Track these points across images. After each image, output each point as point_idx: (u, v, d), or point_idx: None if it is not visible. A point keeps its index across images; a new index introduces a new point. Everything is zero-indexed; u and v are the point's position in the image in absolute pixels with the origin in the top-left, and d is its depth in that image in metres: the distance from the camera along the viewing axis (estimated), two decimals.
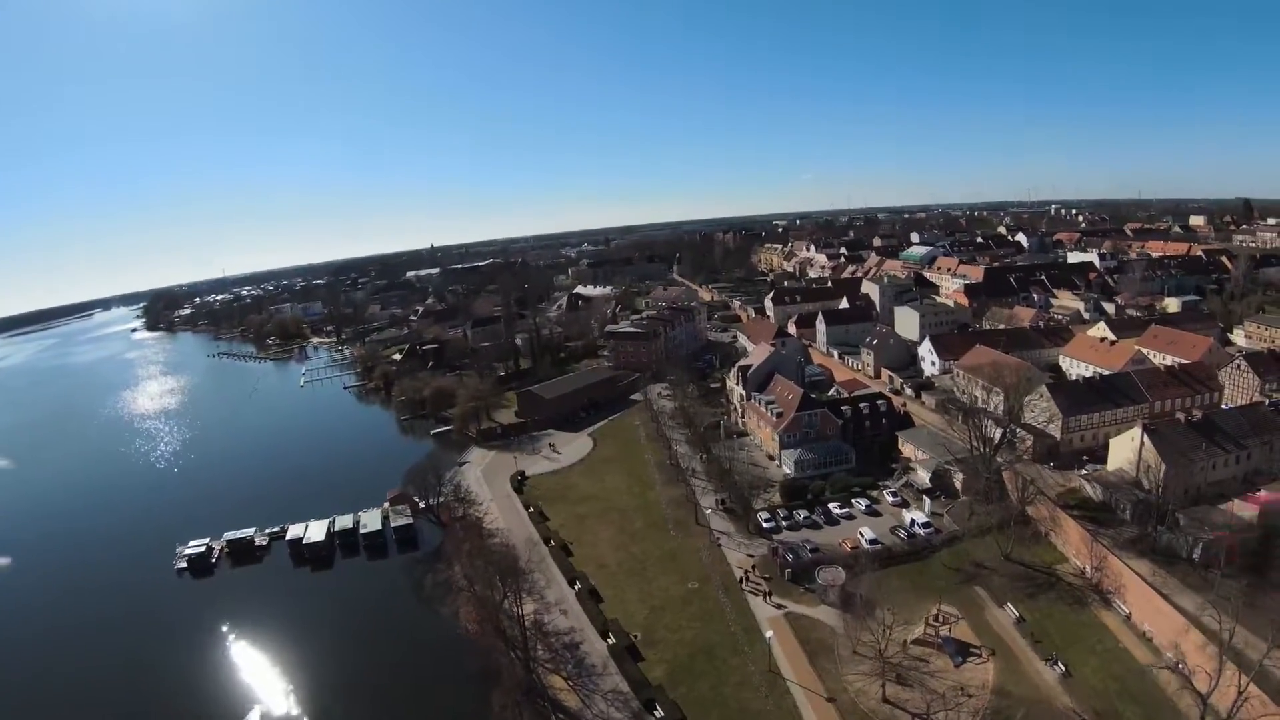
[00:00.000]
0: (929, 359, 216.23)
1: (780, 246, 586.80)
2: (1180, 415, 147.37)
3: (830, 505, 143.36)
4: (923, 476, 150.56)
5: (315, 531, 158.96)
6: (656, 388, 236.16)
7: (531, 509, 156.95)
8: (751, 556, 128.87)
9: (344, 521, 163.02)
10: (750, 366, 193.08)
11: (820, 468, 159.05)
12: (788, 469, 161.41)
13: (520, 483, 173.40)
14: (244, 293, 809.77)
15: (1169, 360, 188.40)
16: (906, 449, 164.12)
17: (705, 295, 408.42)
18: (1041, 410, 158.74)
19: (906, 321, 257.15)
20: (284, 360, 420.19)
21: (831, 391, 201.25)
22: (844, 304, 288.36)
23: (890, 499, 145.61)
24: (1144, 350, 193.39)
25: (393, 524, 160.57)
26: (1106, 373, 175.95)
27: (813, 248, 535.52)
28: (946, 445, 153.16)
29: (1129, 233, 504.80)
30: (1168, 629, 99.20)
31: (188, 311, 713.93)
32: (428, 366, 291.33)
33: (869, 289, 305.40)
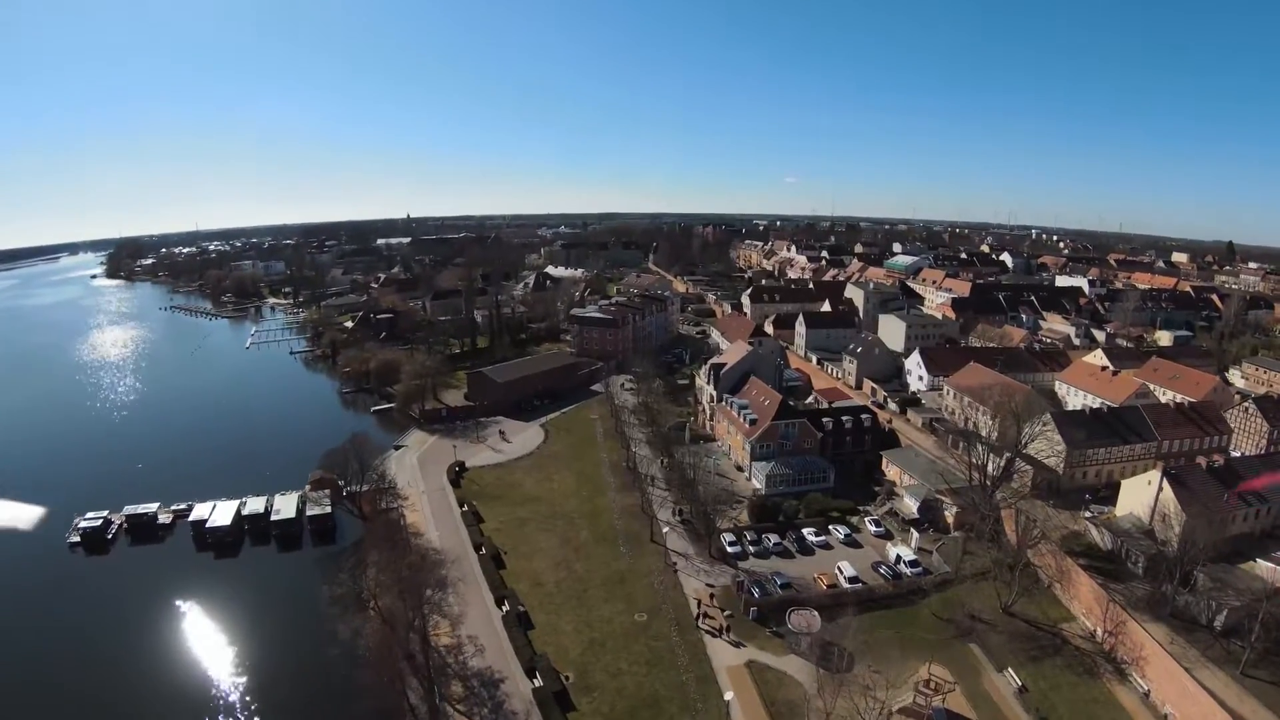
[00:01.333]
0: (917, 373, 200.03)
1: (760, 244, 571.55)
2: (1201, 460, 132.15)
3: (805, 531, 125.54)
4: (909, 505, 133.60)
5: (222, 514, 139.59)
6: (620, 379, 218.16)
7: (466, 507, 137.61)
8: (711, 586, 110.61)
9: (256, 505, 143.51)
10: (724, 365, 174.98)
11: (794, 485, 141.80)
12: (758, 483, 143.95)
13: (458, 475, 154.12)
14: (211, 247, 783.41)
15: (1171, 396, 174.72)
16: (891, 471, 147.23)
17: (680, 287, 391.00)
18: (1044, 441, 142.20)
19: (891, 331, 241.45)
20: (239, 319, 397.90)
21: (809, 400, 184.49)
22: (825, 307, 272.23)
23: (872, 528, 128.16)
24: (1148, 385, 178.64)
25: (309, 512, 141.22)
26: (1113, 405, 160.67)
27: (794, 248, 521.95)
28: (937, 471, 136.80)
29: (1113, 263, 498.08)
30: (1196, 716, 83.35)
31: (149, 262, 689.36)
32: (380, 337, 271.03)
33: (853, 294, 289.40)
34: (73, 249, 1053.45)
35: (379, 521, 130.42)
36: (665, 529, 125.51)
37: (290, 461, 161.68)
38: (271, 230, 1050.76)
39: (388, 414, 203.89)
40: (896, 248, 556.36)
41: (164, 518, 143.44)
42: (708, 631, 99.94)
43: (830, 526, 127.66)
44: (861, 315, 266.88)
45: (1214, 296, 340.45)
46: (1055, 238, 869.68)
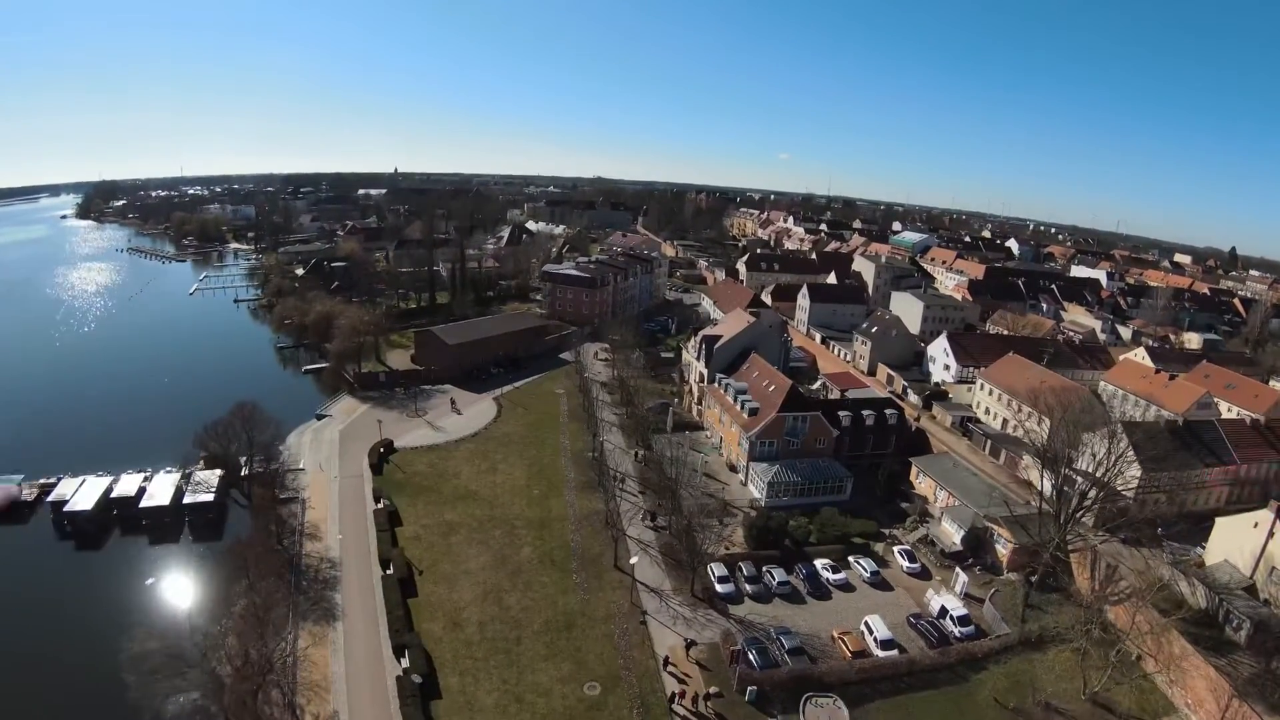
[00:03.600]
0: (942, 361, 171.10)
1: (755, 213, 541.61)
2: None
3: (818, 564, 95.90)
4: (950, 532, 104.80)
5: (85, 496, 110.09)
6: (594, 348, 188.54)
7: (381, 504, 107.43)
8: (691, 643, 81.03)
9: (129, 484, 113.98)
10: (719, 338, 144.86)
11: (803, 495, 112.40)
12: (757, 492, 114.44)
13: (382, 457, 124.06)
14: (190, 192, 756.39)
15: (1227, 408, 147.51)
16: (923, 485, 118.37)
17: (669, 250, 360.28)
18: (1114, 460, 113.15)
19: (905, 311, 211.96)
20: (200, 263, 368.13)
21: (817, 386, 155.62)
22: (831, 280, 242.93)
23: (904, 563, 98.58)
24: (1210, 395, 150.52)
25: (188, 499, 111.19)
26: (1176, 415, 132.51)
27: (791, 219, 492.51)
28: (982, 488, 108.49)
29: (1119, 258, 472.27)
30: None
31: (120, 203, 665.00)
32: (331, 286, 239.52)
33: (862, 267, 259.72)
34: (54, 190, 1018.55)
35: (271, 517, 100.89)
36: (633, 561, 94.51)
37: (196, 429, 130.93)
38: (256, 178, 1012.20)
39: (322, 375, 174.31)
40: (896, 226, 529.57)
41: (27, 493, 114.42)
42: (685, 718, 70.72)
43: (850, 558, 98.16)
44: (871, 292, 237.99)
45: (1235, 301, 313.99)
46: (1054, 230, 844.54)
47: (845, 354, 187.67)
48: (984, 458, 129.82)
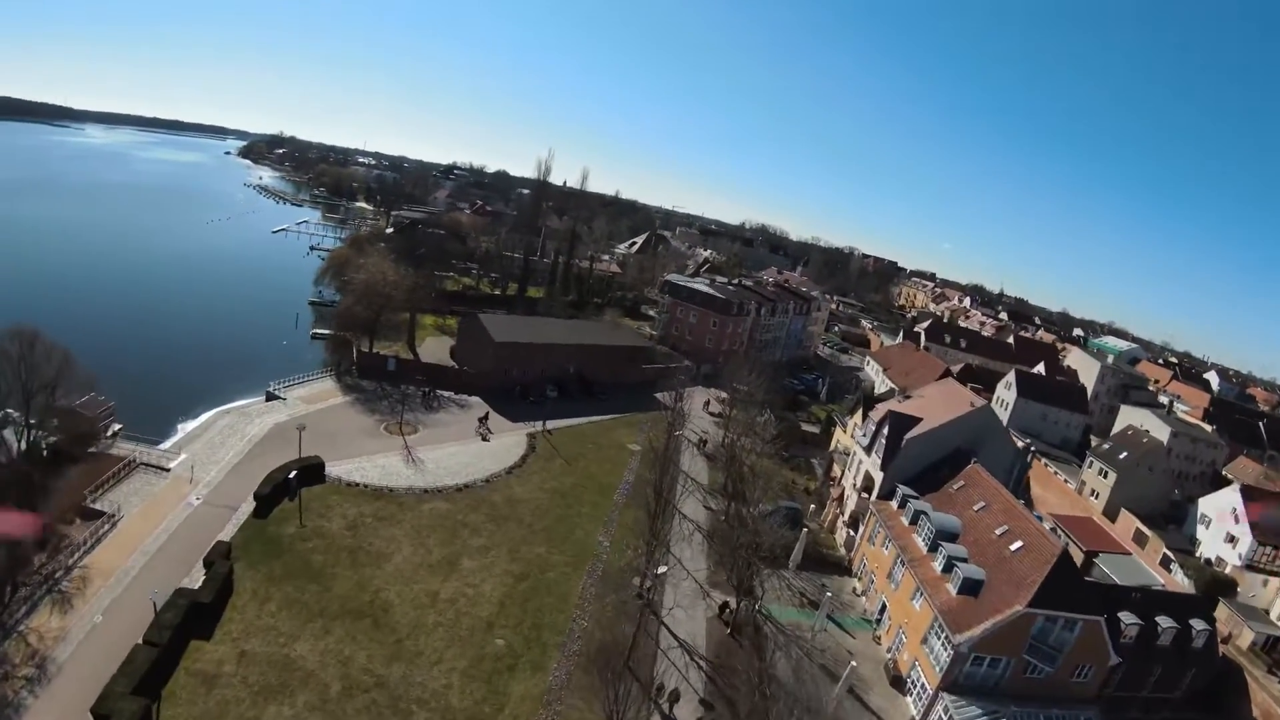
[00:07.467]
0: (1223, 527, 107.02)
1: (929, 284, 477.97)
2: None
3: None
4: None
5: None
6: (706, 395, 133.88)
7: (205, 583, 53.95)
8: None
9: None
10: (913, 423, 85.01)
11: None
12: None
13: (289, 487, 71.06)
14: (358, 160, 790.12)
15: None
16: None
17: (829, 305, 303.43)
18: None
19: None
20: (324, 211, 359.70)
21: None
22: (1040, 371, 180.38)
23: None
24: None
25: None
26: None
27: (968, 300, 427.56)
28: None
29: None
30: None
31: (280, 151, 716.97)
32: (417, 252, 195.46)
33: (1079, 364, 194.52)
34: (243, 135, 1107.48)
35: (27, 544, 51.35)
36: None
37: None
38: (425, 165, 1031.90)
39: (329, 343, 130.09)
40: (1078, 333, 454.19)
41: None
42: None
43: None
44: (1090, 400, 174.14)
45: None
46: (1232, 373, 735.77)
47: (1070, 482, 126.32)
48: None
